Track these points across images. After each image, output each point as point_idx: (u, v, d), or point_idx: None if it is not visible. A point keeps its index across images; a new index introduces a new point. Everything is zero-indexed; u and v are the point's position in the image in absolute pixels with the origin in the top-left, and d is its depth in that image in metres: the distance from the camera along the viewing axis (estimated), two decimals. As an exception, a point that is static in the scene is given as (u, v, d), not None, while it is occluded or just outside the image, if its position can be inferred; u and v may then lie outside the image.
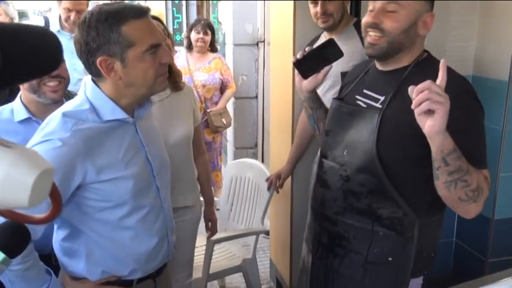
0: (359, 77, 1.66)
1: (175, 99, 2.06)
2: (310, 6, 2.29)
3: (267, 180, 2.67)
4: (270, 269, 3.33)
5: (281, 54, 2.81)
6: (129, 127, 1.43)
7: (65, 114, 1.33)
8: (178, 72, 2.13)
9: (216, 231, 2.42)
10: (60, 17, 2.99)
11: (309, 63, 1.59)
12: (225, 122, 4.20)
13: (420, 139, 1.28)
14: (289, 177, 2.67)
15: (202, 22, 4.15)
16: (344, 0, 2.29)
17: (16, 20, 3.33)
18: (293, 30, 2.53)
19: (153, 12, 4.50)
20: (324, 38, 2.39)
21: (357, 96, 1.60)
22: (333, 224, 1.61)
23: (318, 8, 2.24)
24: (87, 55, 1.32)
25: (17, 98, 1.69)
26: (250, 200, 2.87)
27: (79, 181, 1.32)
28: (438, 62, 1.40)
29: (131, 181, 1.40)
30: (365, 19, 1.49)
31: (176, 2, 8.63)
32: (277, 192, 2.65)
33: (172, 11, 8.86)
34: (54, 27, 2.98)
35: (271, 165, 3.09)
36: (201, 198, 2.32)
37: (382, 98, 1.50)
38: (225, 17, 4.97)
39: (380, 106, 1.49)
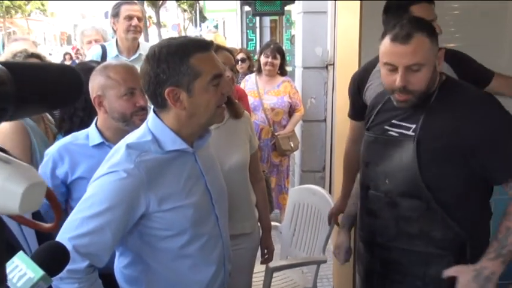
0: (380, 105, 1.72)
1: (232, 126, 2.08)
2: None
3: (329, 218, 2.50)
4: (334, 298, 3.21)
5: (346, 77, 2.73)
6: (189, 157, 1.47)
7: (129, 146, 1.38)
8: (236, 102, 2.16)
9: (271, 260, 2.37)
10: (117, 43, 3.11)
11: None
12: (292, 145, 4.16)
13: (458, 160, 1.48)
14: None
15: (272, 46, 4.18)
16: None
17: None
18: (358, 53, 2.48)
19: (216, 39, 4.58)
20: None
21: (387, 127, 1.65)
22: (387, 250, 1.66)
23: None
24: (155, 86, 1.37)
25: (92, 124, 1.80)
26: (312, 227, 2.80)
27: (142, 211, 1.37)
28: (457, 82, 1.56)
29: (191, 210, 1.43)
30: (389, 82, 1.54)
31: (250, 24, 8.81)
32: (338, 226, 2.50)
33: (247, 33, 9.06)
34: (112, 53, 3.09)
35: (336, 189, 3.00)
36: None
37: (413, 126, 1.57)
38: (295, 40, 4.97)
39: (412, 134, 1.56)
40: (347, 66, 2.73)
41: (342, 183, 2.48)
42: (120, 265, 1.52)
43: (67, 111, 2.01)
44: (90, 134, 1.78)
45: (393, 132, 1.63)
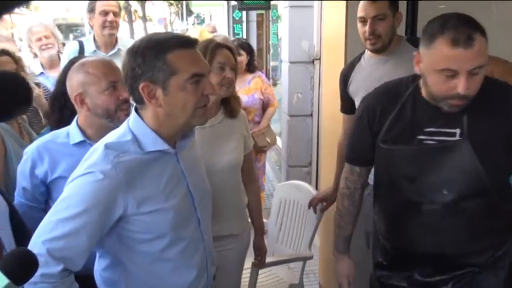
0: (393, 114, 1.62)
1: (227, 125, 2.03)
2: (359, 25, 2.17)
3: (309, 204, 2.54)
4: (320, 293, 3.21)
5: (332, 72, 2.73)
6: (170, 158, 1.43)
7: (107, 146, 1.34)
8: (239, 101, 2.10)
9: (264, 262, 2.34)
10: (94, 38, 3.05)
11: None
12: (269, 141, 4.08)
13: (508, 151, 1.51)
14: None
15: (235, 43, 4.07)
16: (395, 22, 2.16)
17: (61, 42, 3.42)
18: (344, 48, 2.46)
19: (201, 34, 4.47)
20: (367, 54, 2.27)
21: (421, 137, 1.56)
22: (459, 258, 1.64)
23: (367, 28, 2.12)
24: (131, 80, 1.34)
25: (73, 122, 1.74)
26: (298, 223, 2.78)
27: (120, 213, 1.33)
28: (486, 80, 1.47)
29: (171, 213, 1.39)
30: (446, 89, 1.43)
31: (237, 18, 8.73)
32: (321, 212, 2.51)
33: (233, 27, 8.98)
34: (89, 49, 3.05)
35: (322, 184, 2.99)
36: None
37: (457, 130, 1.52)
38: (281, 34, 4.93)
39: (459, 138, 1.51)
40: (333, 61, 2.71)
41: (335, 174, 2.49)
42: (99, 268, 1.48)
43: (56, 103, 1.92)
44: (71, 132, 1.73)
45: (431, 140, 1.55)
